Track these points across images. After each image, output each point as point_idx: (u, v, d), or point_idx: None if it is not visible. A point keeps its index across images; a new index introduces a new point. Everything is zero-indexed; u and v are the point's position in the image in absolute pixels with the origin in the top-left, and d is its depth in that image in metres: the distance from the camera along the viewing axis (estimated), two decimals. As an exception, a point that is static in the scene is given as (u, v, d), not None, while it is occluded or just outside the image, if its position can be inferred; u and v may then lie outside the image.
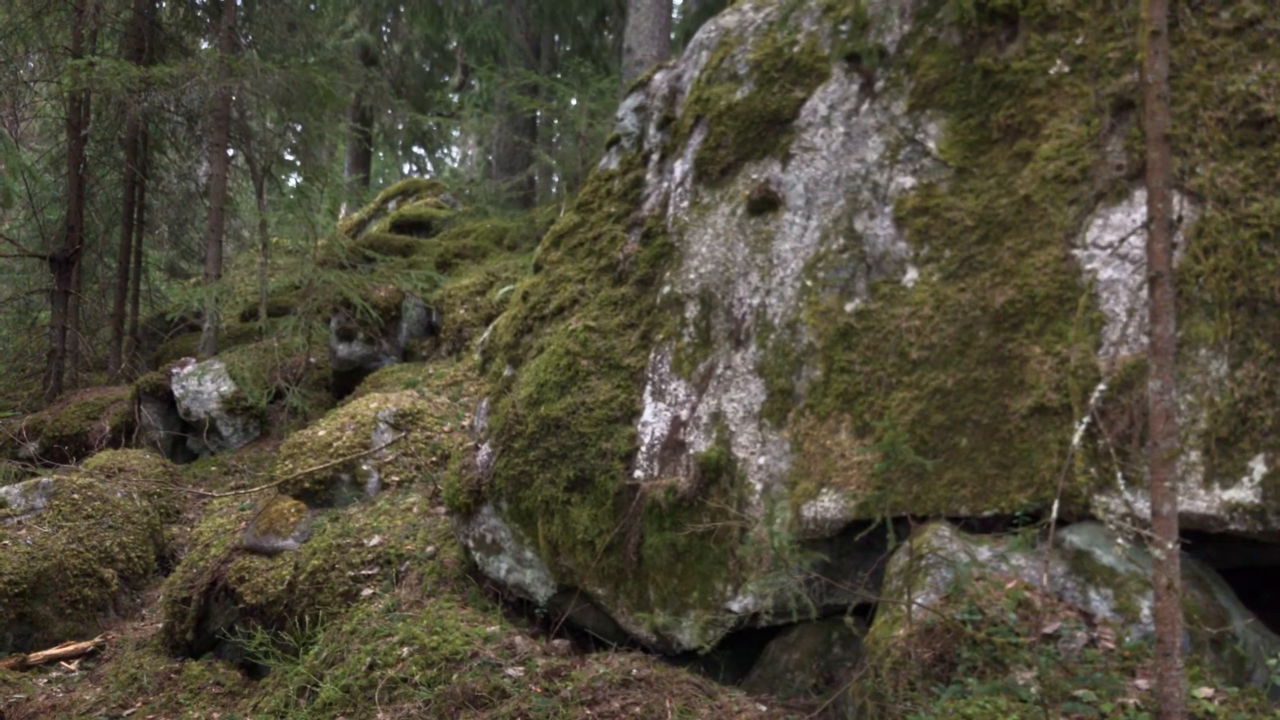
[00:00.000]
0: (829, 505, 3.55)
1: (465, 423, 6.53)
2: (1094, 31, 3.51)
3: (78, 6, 9.57)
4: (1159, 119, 2.38)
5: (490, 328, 5.48)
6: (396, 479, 6.05)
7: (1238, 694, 2.68)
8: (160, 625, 5.49)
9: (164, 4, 10.78)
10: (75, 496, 6.08)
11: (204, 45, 11.58)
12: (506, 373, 4.73)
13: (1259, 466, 2.91)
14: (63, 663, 5.19)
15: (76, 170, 9.73)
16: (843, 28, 4.12)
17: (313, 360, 9.22)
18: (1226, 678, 2.88)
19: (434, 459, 6.20)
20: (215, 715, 4.23)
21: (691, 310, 4.17)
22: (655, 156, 4.66)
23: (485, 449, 4.56)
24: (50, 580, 5.47)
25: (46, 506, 5.95)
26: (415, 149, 22.00)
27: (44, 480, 6.17)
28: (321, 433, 6.40)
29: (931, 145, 3.74)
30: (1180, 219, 3.11)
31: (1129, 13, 3.32)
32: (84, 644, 5.32)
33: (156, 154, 10.82)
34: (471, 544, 4.62)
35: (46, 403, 9.82)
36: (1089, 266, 3.28)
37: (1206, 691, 2.67)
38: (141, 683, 4.70)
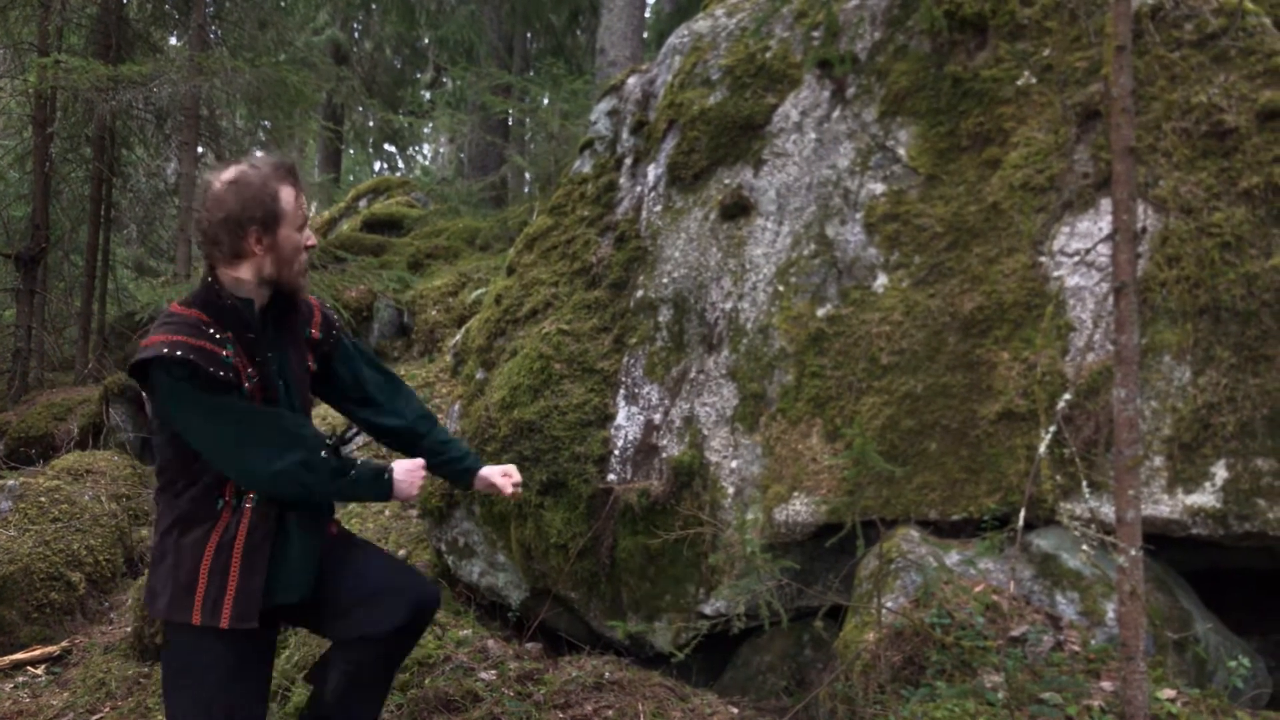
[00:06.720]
0: (800, 509, 3.58)
1: (438, 424, 6.51)
2: (1062, 41, 3.56)
3: (44, 1, 9.44)
4: (1124, 132, 2.43)
5: (463, 330, 5.46)
6: (368, 481, 6.02)
7: (1199, 695, 2.73)
8: (129, 629, 5.43)
9: None
10: (42, 499, 6.00)
11: (173, 41, 11.46)
12: (479, 376, 4.73)
13: (1220, 472, 2.97)
14: (29, 667, 5.12)
15: (42, 167, 9.61)
16: (815, 34, 4.15)
17: (283, 361, 9.13)
18: (1189, 679, 2.93)
19: (406, 461, 6.17)
20: (185, 720, 4.19)
21: (665, 314, 4.18)
22: (629, 160, 4.67)
23: (458, 452, 4.55)
24: (16, 584, 5.40)
25: (12, 509, 5.88)
26: (387, 147, 21.91)
27: (10, 483, 6.09)
28: (293, 435, 6.34)
29: (902, 152, 3.78)
30: (1145, 229, 3.17)
31: (1096, 24, 3.37)
32: (51, 648, 5.25)
33: (124, 151, 10.68)
34: (444, 548, 4.62)
35: (11, 403, 9.67)
36: (1056, 274, 3.33)
37: (1169, 693, 2.72)
38: (110, 687, 4.65)
